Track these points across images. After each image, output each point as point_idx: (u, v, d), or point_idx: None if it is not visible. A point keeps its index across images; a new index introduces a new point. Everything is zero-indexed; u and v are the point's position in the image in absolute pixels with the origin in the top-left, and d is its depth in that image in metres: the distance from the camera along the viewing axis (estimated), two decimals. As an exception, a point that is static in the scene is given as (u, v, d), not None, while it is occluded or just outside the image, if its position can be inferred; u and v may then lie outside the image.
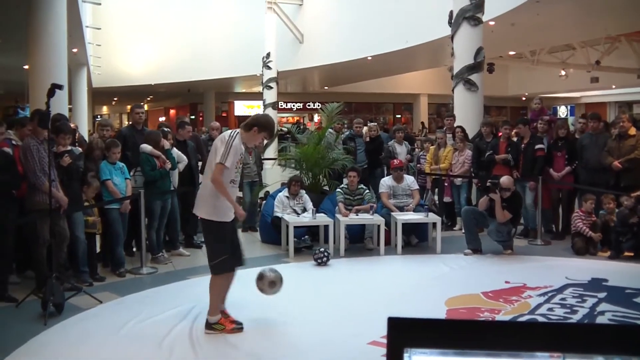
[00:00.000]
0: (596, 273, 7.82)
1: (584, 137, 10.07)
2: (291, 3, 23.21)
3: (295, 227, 8.89)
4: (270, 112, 22.69)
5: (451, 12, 12.18)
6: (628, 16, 16.03)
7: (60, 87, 6.48)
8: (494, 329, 1.08)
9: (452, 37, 12.20)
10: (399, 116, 37.00)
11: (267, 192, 11.25)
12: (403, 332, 1.06)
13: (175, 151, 8.90)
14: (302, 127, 23.00)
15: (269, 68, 22.55)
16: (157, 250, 8.59)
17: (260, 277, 5.78)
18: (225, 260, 5.52)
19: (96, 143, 8.15)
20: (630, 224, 8.64)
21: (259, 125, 5.65)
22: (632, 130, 9.56)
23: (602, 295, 6.92)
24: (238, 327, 5.61)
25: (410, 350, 1.05)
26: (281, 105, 29.19)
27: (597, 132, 9.93)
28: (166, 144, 8.66)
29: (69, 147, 7.38)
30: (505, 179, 8.88)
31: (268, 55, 22.52)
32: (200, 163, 10.10)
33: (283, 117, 33.58)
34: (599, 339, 1.02)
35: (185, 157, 9.13)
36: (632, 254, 8.67)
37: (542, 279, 7.48)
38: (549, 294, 6.93)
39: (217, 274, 5.60)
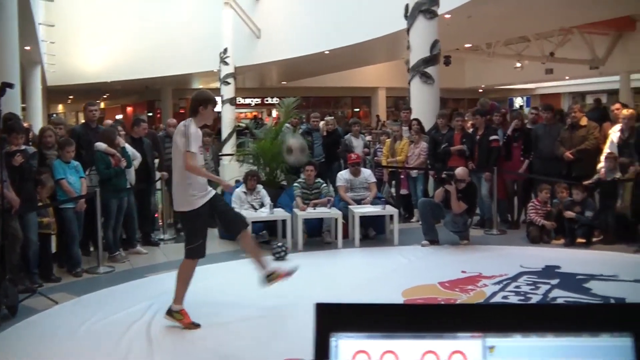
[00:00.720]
0: (550, 261, 7.97)
1: (538, 128, 10.23)
2: (248, -2, 23.13)
3: (252, 222, 8.88)
4: (228, 108, 22.61)
5: (407, 6, 12.25)
6: (580, 8, 16.29)
7: (11, 85, 6.37)
8: (418, 311, 1.11)
9: (408, 30, 12.27)
10: (357, 110, 37.12)
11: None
12: (330, 317, 1.08)
13: (129, 148, 8.82)
14: (260, 122, 22.92)
15: (226, 64, 22.42)
16: (114, 249, 8.52)
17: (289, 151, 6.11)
18: (201, 245, 5.72)
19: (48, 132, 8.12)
20: (568, 216, 8.89)
21: (201, 101, 5.82)
22: (584, 121, 9.74)
23: (554, 282, 7.08)
24: (195, 325, 5.63)
25: (337, 335, 1.07)
26: (239, 101, 29.05)
27: (550, 123, 10.09)
28: (121, 141, 8.60)
29: (22, 147, 7.27)
30: (459, 170, 8.99)
31: (225, 50, 22.38)
32: (157, 160, 10.04)
33: (241, 113, 33.43)
34: (516, 318, 1.07)
35: (139, 154, 9.05)
36: (584, 241, 8.85)
37: (497, 268, 7.60)
38: (504, 282, 7.05)
39: (190, 258, 5.75)
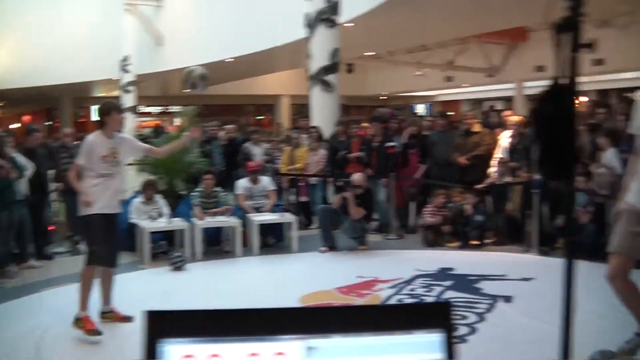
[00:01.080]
0: (444, 263, 8.20)
1: (434, 135, 10.52)
2: (150, 4, 22.74)
3: (151, 232, 8.74)
4: (130, 116, 22.15)
5: (307, 15, 12.35)
6: (475, 19, 16.81)
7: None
8: (242, 316, 1.15)
9: (308, 38, 12.37)
10: (261, 117, 37.07)
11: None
12: (158, 323, 1.11)
13: (21, 159, 8.51)
14: (160, 131, 22.57)
15: (127, 71, 22.00)
16: (5, 263, 8.18)
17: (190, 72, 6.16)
18: (95, 252, 5.66)
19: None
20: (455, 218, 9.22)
21: (104, 111, 5.88)
22: (477, 127, 10.08)
23: (448, 283, 7.28)
24: (97, 332, 5.52)
25: (165, 340, 1.10)
26: (141, 110, 28.54)
27: (445, 130, 10.38)
28: (11, 151, 8.28)
29: None
30: (356, 176, 9.12)
31: (126, 58, 21.96)
32: (51, 172, 9.73)
33: (144, 122, 32.82)
34: (335, 319, 1.12)
35: (31, 164, 8.74)
36: (477, 243, 9.17)
37: (393, 272, 7.74)
38: (399, 286, 7.19)
39: (87, 264, 5.72)
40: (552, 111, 1.48)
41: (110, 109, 5.90)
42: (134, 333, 5.37)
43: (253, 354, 1.10)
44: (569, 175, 1.46)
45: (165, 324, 1.10)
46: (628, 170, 4.41)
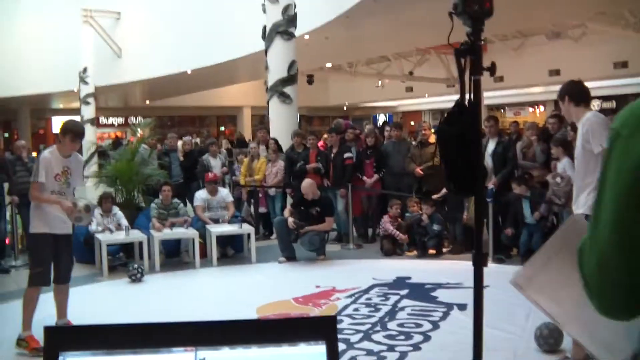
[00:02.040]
0: (401, 272, 8.30)
1: (387, 145, 10.68)
2: (108, 16, 22.65)
3: (109, 245, 8.74)
4: (90, 128, 21.98)
5: (264, 27, 12.45)
6: (433, 31, 17.02)
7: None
8: (136, 330, 1.24)
9: (266, 51, 12.46)
10: (223, 129, 37.05)
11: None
12: (58, 338, 1.18)
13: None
14: (119, 142, 22.37)
15: (86, 83, 21.87)
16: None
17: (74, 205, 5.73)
18: (39, 273, 5.58)
19: None
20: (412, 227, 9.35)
21: (61, 130, 5.75)
22: (432, 138, 10.25)
23: (404, 292, 7.38)
24: (42, 349, 5.43)
25: (65, 354, 1.17)
26: (102, 121, 28.40)
27: (399, 140, 10.55)
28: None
29: None
30: (305, 184, 9.23)
31: (85, 70, 21.84)
32: (6, 184, 9.66)
33: (104, 133, 32.58)
34: (224, 332, 1.24)
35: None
36: (434, 252, 9.31)
37: (350, 281, 7.83)
38: (356, 295, 7.27)
39: (30, 286, 5.64)
40: (457, 131, 1.59)
41: (67, 131, 5.69)
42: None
43: (148, 365, 1.17)
44: (473, 191, 1.57)
45: (65, 339, 1.18)
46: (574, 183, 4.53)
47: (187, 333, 1.21)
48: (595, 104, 26.68)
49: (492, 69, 1.60)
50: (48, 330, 1.19)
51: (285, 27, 12.12)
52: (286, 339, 1.21)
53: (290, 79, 12.17)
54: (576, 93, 3.90)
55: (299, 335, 1.22)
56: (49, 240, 5.62)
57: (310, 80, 24.80)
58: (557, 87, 4.62)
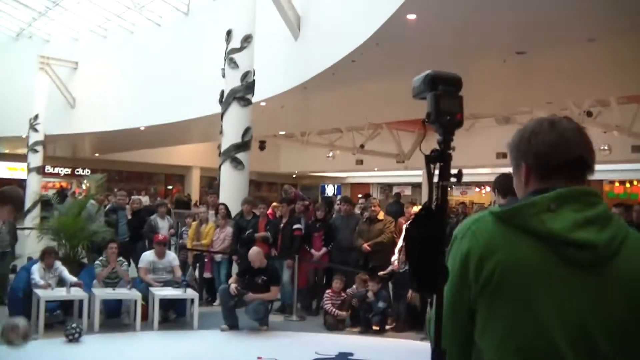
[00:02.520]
0: (344, 347, 8.27)
1: (336, 219, 10.78)
2: (65, 65, 22.58)
3: (47, 301, 8.51)
4: (35, 176, 21.68)
5: (222, 92, 12.59)
6: (385, 107, 17.45)
7: None
8: None
9: (222, 115, 12.57)
10: (170, 187, 36.83)
11: (15, 265, 10.56)
12: None
13: None
14: (65, 193, 21.98)
15: (36, 130, 21.64)
16: None
17: (14, 327, 5.36)
18: None
19: None
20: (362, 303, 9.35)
21: (2, 199, 5.21)
22: (381, 215, 10.39)
23: (346, 369, 7.37)
24: None
25: None
26: (48, 170, 27.95)
27: (348, 214, 10.65)
28: None
29: None
30: (251, 252, 9.21)
31: (36, 117, 21.63)
32: None
33: (50, 182, 32.04)
34: None
35: None
36: (378, 328, 9.31)
37: (293, 354, 7.85)
38: (297, 370, 7.24)
39: None
40: (424, 233, 1.67)
41: (8, 201, 5.21)
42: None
43: None
44: (435, 290, 1.65)
45: None
46: None
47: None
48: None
49: (459, 176, 1.70)
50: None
51: (243, 93, 12.32)
52: None
53: (243, 145, 12.30)
54: (503, 187, 4.10)
55: None
56: None
57: (262, 146, 25.01)
58: (503, 170, 4.82)
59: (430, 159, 1.74)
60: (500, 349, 1.67)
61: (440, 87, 1.78)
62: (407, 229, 1.82)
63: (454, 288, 1.72)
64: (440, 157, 1.74)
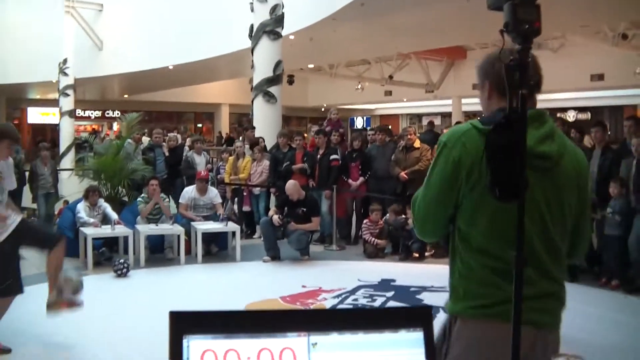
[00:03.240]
0: (385, 274, 8.40)
1: (372, 148, 10.81)
2: (90, 8, 22.49)
3: (94, 238, 8.72)
4: (67, 120, 21.86)
5: (252, 26, 12.51)
6: (415, 37, 17.28)
7: None
8: (254, 316, 1.38)
9: (252, 50, 12.52)
10: (200, 125, 36.98)
11: (66, 201, 10.80)
12: (182, 322, 1.32)
13: None
14: (102, 136, 22.19)
15: (66, 75, 21.68)
16: None
17: (68, 279, 5.49)
18: (11, 285, 5.23)
19: None
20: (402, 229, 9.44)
21: None
22: (417, 143, 10.39)
23: (390, 294, 7.50)
24: (6, 350, 5.30)
25: (188, 337, 1.31)
26: (79, 113, 28.15)
27: (383, 144, 10.66)
28: None
29: None
30: (288, 185, 9.31)
31: (65, 61, 21.65)
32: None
33: (81, 126, 32.37)
34: (333, 320, 1.38)
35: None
36: (418, 256, 9.43)
37: (336, 282, 7.91)
38: (343, 296, 7.37)
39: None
40: (504, 141, 1.72)
41: (4, 136, 5.31)
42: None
43: (264, 349, 1.31)
44: (516, 197, 1.71)
45: (187, 323, 1.32)
46: None
47: (300, 320, 1.37)
48: (571, 115, 27.15)
49: (538, 85, 1.77)
50: (173, 315, 1.33)
51: (272, 26, 12.22)
52: (388, 326, 1.38)
53: (275, 79, 12.28)
54: None
55: (399, 323, 1.39)
56: (8, 248, 5.21)
57: (290, 80, 24.93)
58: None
59: (510, 68, 1.76)
60: (486, 234, 2.13)
61: (516, -5, 1.78)
62: (487, 138, 1.85)
63: (445, 186, 2.16)
64: (520, 66, 1.76)
